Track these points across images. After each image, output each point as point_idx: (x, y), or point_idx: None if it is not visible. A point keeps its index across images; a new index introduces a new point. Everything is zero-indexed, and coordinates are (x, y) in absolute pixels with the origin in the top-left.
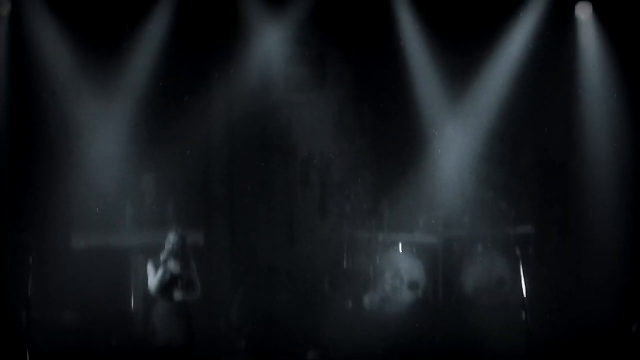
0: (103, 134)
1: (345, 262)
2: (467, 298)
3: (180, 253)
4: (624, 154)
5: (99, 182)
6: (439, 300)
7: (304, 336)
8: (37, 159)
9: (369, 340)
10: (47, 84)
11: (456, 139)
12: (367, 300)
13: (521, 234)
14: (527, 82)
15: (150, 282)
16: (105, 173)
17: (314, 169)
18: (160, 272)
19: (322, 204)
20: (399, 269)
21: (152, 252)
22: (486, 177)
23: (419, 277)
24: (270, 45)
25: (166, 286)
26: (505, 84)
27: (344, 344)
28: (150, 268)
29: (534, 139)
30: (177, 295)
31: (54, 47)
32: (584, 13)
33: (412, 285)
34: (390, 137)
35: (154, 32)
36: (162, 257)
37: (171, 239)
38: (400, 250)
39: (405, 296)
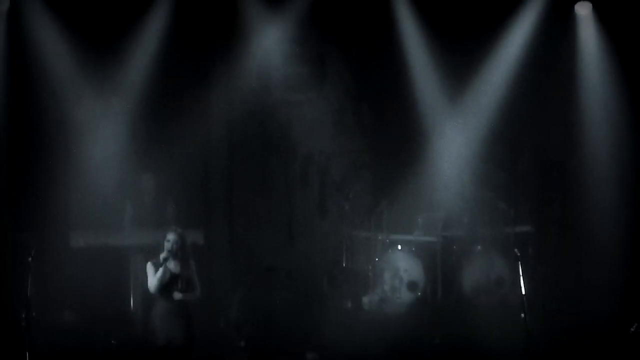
0: (102, 134)
1: (344, 261)
2: (466, 298)
3: (179, 253)
4: (623, 153)
5: (98, 182)
6: (438, 300)
7: (303, 336)
8: (36, 158)
9: (368, 340)
10: (47, 83)
11: (455, 139)
12: (366, 300)
13: (520, 233)
14: (527, 81)
15: (150, 281)
16: (105, 173)
17: (313, 168)
18: (160, 271)
19: (321, 204)
20: (398, 268)
21: (151, 252)
22: (485, 177)
23: (418, 277)
24: (270, 45)
25: (166, 286)
26: (504, 83)
27: (343, 343)
28: (150, 268)
29: (533, 139)
30: (177, 295)
31: (53, 46)
32: (583, 11)
33: (412, 285)
34: (390, 136)
35: (153, 31)
36: (162, 256)
37: (170, 238)
38: (400, 250)
39: (405, 296)
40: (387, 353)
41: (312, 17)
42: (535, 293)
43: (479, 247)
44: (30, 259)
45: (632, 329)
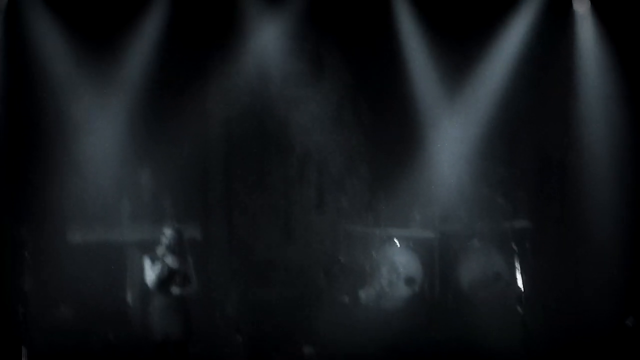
0: (100, 130)
1: (342, 256)
2: (463, 293)
3: (177, 248)
4: (621, 149)
5: (96, 178)
6: (436, 295)
7: (300, 330)
8: (34, 154)
9: (365, 334)
10: (44, 81)
11: (453, 135)
12: (363, 294)
13: (518, 229)
14: (525, 78)
15: (147, 276)
16: (103, 168)
17: (311, 164)
18: (157, 267)
19: (319, 199)
20: (395, 263)
21: (149, 247)
22: (483, 173)
23: (415, 272)
24: (268, 41)
25: (163, 281)
26: (503, 79)
27: (341, 338)
28: (147, 263)
29: (532, 135)
30: (175, 290)
31: (51, 44)
32: (582, 8)
33: (409, 280)
34: (388, 132)
35: (151, 28)
36: (160, 252)
37: (168, 233)
38: (397, 245)
39: (402, 291)
40: (384, 348)
41: (310, 14)
42: (533, 288)
43: (476, 242)
44: (27, 254)
45: (627, 323)
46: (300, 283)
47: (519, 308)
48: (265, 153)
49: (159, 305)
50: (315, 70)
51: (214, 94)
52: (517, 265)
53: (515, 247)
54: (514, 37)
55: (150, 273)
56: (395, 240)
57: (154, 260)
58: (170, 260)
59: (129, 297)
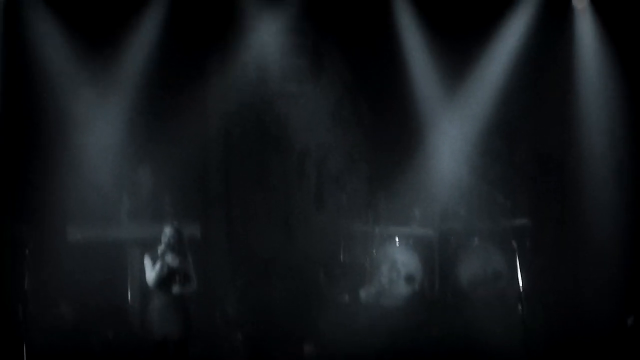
0: (99, 127)
1: (341, 255)
2: (463, 291)
3: (177, 246)
4: (621, 147)
5: (95, 176)
6: (435, 293)
7: (300, 329)
8: (34, 152)
9: (366, 332)
10: (44, 80)
11: (453, 133)
12: (363, 293)
13: (518, 226)
14: (524, 74)
15: (147, 275)
16: (102, 166)
17: (310, 161)
18: (157, 265)
19: (318, 197)
20: (395, 261)
21: (149, 246)
22: (483, 170)
23: (415, 270)
24: (267, 37)
25: (163, 279)
26: (501, 76)
27: (341, 336)
28: (147, 261)
29: (531, 132)
30: (174, 288)
31: (50, 41)
32: (580, 5)
33: (409, 278)
34: (387, 129)
35: (150, 26)
36: (160, 250)
37: (167, 232)
38: (397, 243)
39: (402, 289)
40: (384, 346)
41: (309, 10)
42: (533, 286)
43: (476, 240)
44: (27, 251)
45: (628, 322)
46: (300, 281)
47: (518, 306)
48: (265, 151)
49: (159, 303)
50: (314, 67)
51: (213, 92)
52: (517, 263)
53: (515, 245)
54: (513, 35)
55: (150, 272)
56: (395, 238)
57: (153, 259)
58: (170, 259)
59: (129, 296)
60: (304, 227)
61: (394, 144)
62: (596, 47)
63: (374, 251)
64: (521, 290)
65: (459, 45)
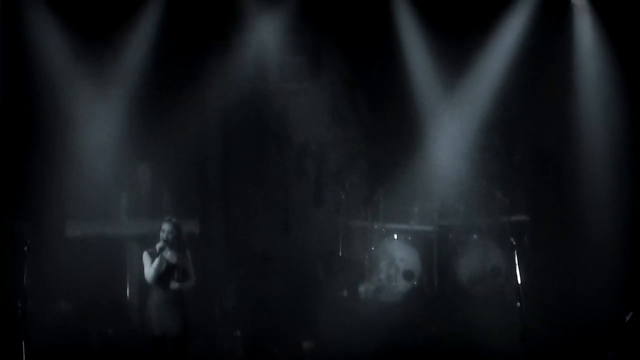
0: (98, 124)
1: (340, 251)
2: (462, 287)
3: (175, 242)
4: (619, 143)
5: (94, 172)
6: (434, 289)
7: (299, 325)
8: (33, 148)
9: (364, 329)
10: (42, 75)
11: (452, 129)
12: (362, 289)
13: (516, 223)
14: (523, 71)
15: (146, 271)
16: (101, 162)
17: (309, 158)
18: (156, 261)
19: (317, 193)
20: (394, 258)
21: (147, 242)
22: (481, 167)
23: (414, 266)
24: (266, 34)
25: (162, 275)
26: (500, 73)
27: (339, 332)
28: (146, 257)
29: (530, 128)
30: (173, 284)
31: (49, 39)
32: (579, 1)
33: (408, 275)
34: (386, 126)
35: (149, 23)
36: (158, 246)
37: (165, 228)
38: (396, 239)
39: (401, 285)
40: (383, 342)
41: (308, 6)
42: (531, 282)
43: (474, 236)
44: (26, 248)
45: (627, 318)
46: (298, 277)
47: (517, 302)
48: (264, 147)
49: (157, 300)
50: (313, 64)
51: (212, 90)
52: (516, 259)
53: (513, 242)
54: (511, 33)
55: (149, 268)
56: (394, 234)
57: (152, 255)
58: (169, 255)
59: (128, 292)
60: (302, 223)
61: (393, 141)
62: (595, 45)
63: (373, 247)
64: (520, 286)
65: (458, 43)
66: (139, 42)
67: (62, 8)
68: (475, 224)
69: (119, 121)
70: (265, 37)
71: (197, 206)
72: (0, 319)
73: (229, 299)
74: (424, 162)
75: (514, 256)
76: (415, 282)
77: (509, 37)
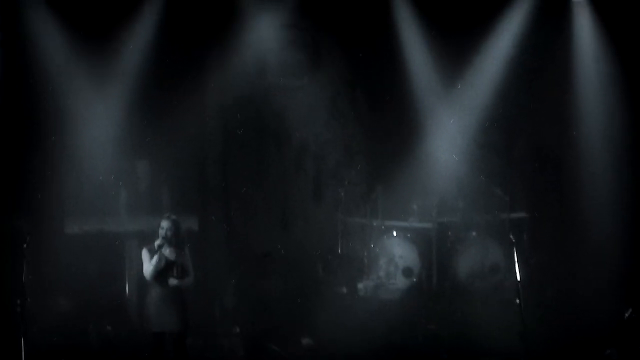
0: (97, 121)
1: (339, 248)
2: (461, 284)
3: (174, 239)
4: (619, 140)
5: (93, 169)
6: (433, 286)
7: (298, 322)
8: (31, 145)
9: (363, 325)
10: (41, 72)
11: (451, 126)
12: (361, 286)
13: (515, 220)
14: (522, 67)
15: (145, 268)
16: (100, 159)
17: (308, 155)
18: (155, 258)
19: (316, 190)
20: (393, 255)
21: (146, 239)
22: (480, 163)
23: (413, 263)
24: (265, 32)
25: (161, 272)
26: (500, 70)
27: (339, 329)
28: (145, 254)
29: (529, 125)
30: (172, 281)
31: (49, 39)
32: None
33: (407, 271)
34: (385, 122)
35: (148, 21)
36: (157, 243)
37: (164, 225)
38: (395, 236)
39: (400, 282)
40: (382, 339)
41: (307, 3)
42: (530, 279)
43: (473, 233)
44: (25, 245)
45: (626, 315)
46: (298, 274)
47: (516, 299)
48: (263, 144)
49: (156, 296)
50: (312, 61)
51: (211, 87)
52: (515, 256)
53: (512, 239)
54: (511, 31)
55: (148, 265)
56: (393, 232)
57: (151, 251)
58: (167, 252)
59: (127, 289)
60: (301, 220)
61: (392, 138)
62: (594, 43)
63: (372, 244)
64: (518, 283)
65: (457, 39)
66: (139, 40)
67: (62, 8)
68: (474, 221)
69: (119, 120)
70: (265, 34)
71: (196, 203)
72: None
73: (227, 296)
74: (423, 159)
75: (513, 253)
76: (414, 279)
77: (508, 36)
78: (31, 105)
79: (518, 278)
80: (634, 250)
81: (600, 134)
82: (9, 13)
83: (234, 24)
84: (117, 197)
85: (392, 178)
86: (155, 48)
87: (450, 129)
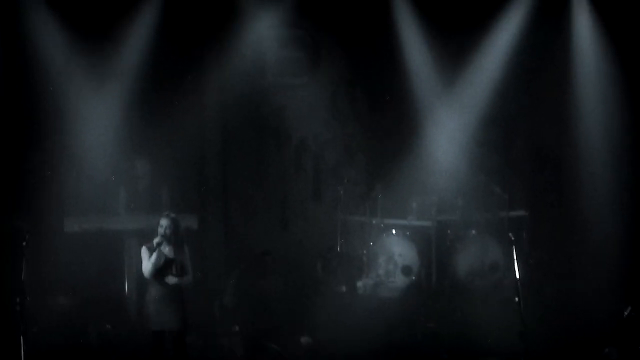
0: (97, 120)
1: (338, 246)
2: (460, 282)
3: (173, 237)
4: (618, 139)
5: (93, 167)
6: (433, 285)
7: (297, 320)
8: (31, 144)
9: (363, 324)
10: (41, 71)
11: (450, 124)
12: (360, 284)
13: (515, 218)
14: (521, 66)
15: (144, 266)
16: (100, 158)
17: (307, 153)
18: (154, 256)
19: (315, 189)
20: (392, 253)
21: (146, 237)
22: (480, 162)
23: (412, 262)
24: (264, 30)
25: (160, 270)
26: (499, 68)
27: (338, 328)
28: (144, 252)
29: (528, 123)
30: (171, 279)
31: (49, 39)
32: None
33: (406, 270)
34: (384, 121)
35: (148, 19)
36: (156, 241)
37: (163, 223)
38: (394, 235)
39: (399, 280)
40: (381, 337)
41: (307, 3)
42: (529, 277)
43: (473, 231)
44: (24, 243)
45: (625, 313)
46: (297, 273)
47: (515, 297)
48: (262, 143)
49: (156, 294)
50: (311, 60)
51: (211, 85)
52: (514, 254)
53: (512, 237)
54: (510, 30)
55: (147, 262)
56: (393, 230)
57: (150, 249)
58: (167, 250)
59: (126, 287)
60: (301, 218)
61: (392, 136)
62: (594, 43)
63: (371, 243)
64: (518, 281)
65: (457, 38)
66: (138, 40)
67: (62, 8)
68: (473, 219)
69: (118, 119)
70: (264, 32)
71: (195, 201)
72: None
73: (227, 294)
74: (422, 157)
75: (512, 251)
76: (413, 278)
77: (507, 35)
78: (31, 105)
79: (517, 276)
80: (633, 249)
81: (600, 133)
82: (9, 13)
83: (233, 24)
84: (117, 196)
85: (392, 177)
86: (154, 48)
87: (450, 127)
